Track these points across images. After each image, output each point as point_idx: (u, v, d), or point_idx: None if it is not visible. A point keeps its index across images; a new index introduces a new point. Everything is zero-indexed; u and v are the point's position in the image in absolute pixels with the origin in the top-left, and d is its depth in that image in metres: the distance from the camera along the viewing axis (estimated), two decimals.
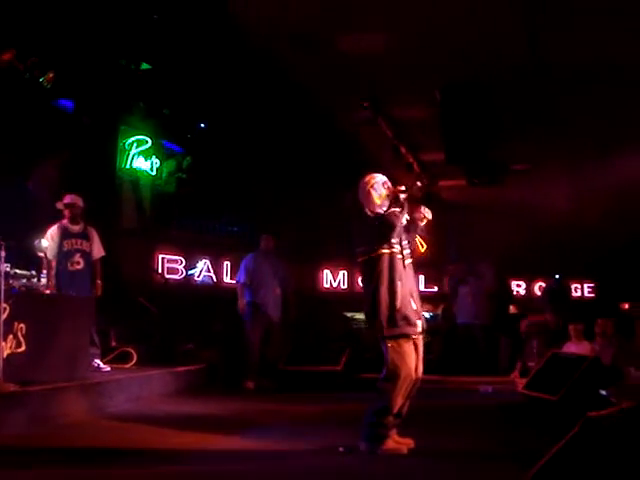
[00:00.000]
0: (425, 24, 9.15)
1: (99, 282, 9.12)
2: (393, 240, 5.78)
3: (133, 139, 12.10)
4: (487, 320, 12.48)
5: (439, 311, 14.88)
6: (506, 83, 10.60)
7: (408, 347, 5.76)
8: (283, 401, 9.26)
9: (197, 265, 13.53)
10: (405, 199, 5.85)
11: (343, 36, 9.72)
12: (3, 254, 6.82)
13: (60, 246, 8.87)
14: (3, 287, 6.76)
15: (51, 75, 9.69)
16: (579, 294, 18.02)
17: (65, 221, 9.02)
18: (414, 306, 5.83)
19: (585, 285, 18.17)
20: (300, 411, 8.42)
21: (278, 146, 13.32)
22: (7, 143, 9.44)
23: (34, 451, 5.80)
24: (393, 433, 5.80)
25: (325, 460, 5.61)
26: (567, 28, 9.27)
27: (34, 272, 8.02)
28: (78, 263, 8.96)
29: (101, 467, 5.31)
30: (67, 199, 9.08)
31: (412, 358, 5.77)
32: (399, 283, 5.71)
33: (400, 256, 5.81)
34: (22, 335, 7.12)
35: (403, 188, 5.90)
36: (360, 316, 15.10)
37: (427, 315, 16.74)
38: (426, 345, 13.37)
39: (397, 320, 5.69)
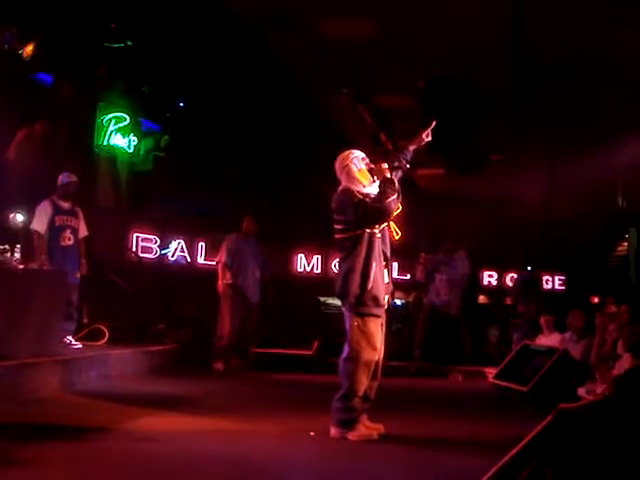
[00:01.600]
0: (409, 13, 9.16)
1: (84, 260, 9.15)
2: None
3: (111, 116, 11.98)
4: (457, 311, 12.28)
5: (410, 299, 14.96)
6: (487, 74, 10.64)
7: (374, 327, 5.75)
8: (254, 383, 9.29)
9: (171, 245, 13.46)
10: (400, 179, 5.85)
11: (327, 20, 9.70)
12: None
13: (52, 222, 8.84)
14: None
15: (30, 48, 9.58)
16: (550, 286, 18.18)
17: (55, 197, 8.97)
18: (386, 279, 5.84)
19: (556, 277, 18.33)
20: (271, 393, 8.45)
21: (256, 128, 13.27)
22: None
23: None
24: (364, 418, 5.84)
25: (294, 443, 5.63)
26: (548, 21, 9.32)
27: (7, 246, 7.94)
28: (69, 239, 8.97)
29: (67, 444, 5.27)
30: (72, 177, 9.05)
31: (378, 339, 5.77)
32: (374, 264, 5.69)
33: (379, 235, 5.80)
34: None
35: (386, 166, 5.84)
36: (333, 301, 15.16)
37: (398, 302, 16.89)
38: (396, 332, 13.46)
39: (366, 300, 5.69)
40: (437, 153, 12.09)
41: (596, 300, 14.54)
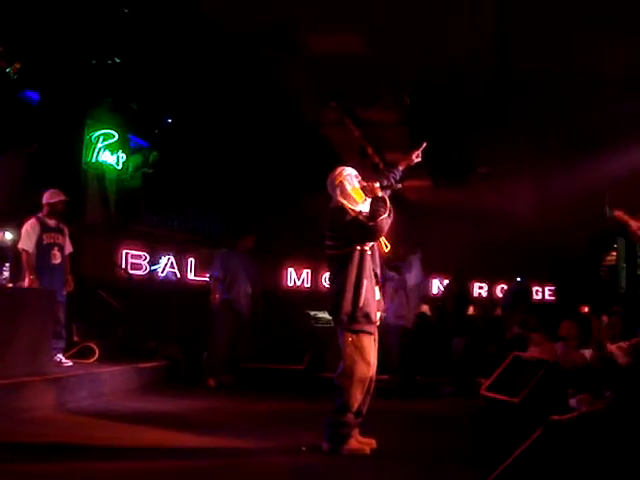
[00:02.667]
0: (394, 27, 9.20)
1: (70, 277, 9.15)
2: None
3: (99, 133, 11.98)
4: (408, 322, 11.03)
5: None
6: (473, 86, 10.70)
7: (368, 343, 5.78)
8: (246, 399, 9.27)
9: (161, 261, 13.46)
10: (389, 198, 5.88)
11: (313, 36, 9.74)
12: None
13: (40, 240, 8.82)
14: None
15: (18, 66, 9.59)
16: (540, 297, 18.27)
17: (41, 215, 8.97)
18: (377, 296, 5.88)
19: (546, 288, 18.42)
20: (263, 409, 8.43)
21: (244, 143, 13.29)
22: None
23: None
24: (355, 433, 5.84)
25: (287, 459, 5.62)
26: (534, 33, 9.38)
27: None
28: (56, 257, 8.96)
29: (61, 463, 5.27)
30: (61, 196, 9.07)
31: (372, 354, 5.80)
32: (365, 281, 5.73)
33: (370, 252, 5.83)
34: None
35: (378, 185, 5.90)
36: (323, 315, 15.16)
37: None
38: (386, 344, 13.43)
39: (358, 317, 5.72)
40: (423, 166, 12.16)
41: (586, 310, 14.60)
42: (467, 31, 9.30)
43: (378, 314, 5.90)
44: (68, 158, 11.42)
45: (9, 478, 4.74)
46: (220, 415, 7.87)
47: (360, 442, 5.83)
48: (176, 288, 13.33)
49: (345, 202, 5.87)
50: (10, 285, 8.08)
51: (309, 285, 16.68)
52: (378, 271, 5.95)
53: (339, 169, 6.04)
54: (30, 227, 8.83)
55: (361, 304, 5.70)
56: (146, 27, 10.09)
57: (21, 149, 10.24)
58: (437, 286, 17.35)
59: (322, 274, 16.91)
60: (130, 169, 12.74)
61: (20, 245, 8.74)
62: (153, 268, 13.30)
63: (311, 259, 16.42)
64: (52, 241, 8.95)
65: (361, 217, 5.79)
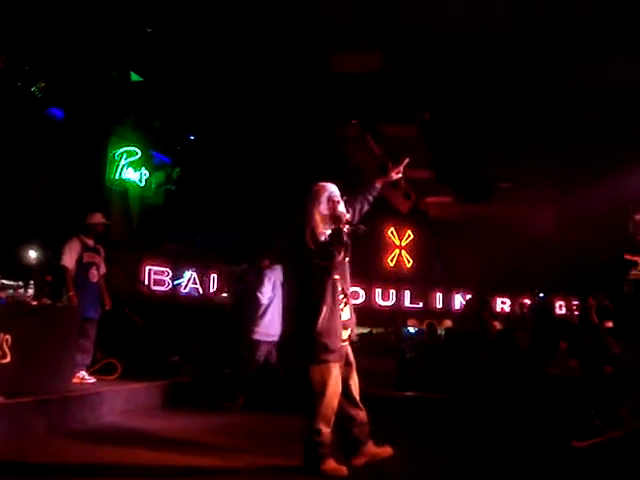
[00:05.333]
0: (416, 45, 9.24)
1: (107, 296, 9.26)
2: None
3: (123, 150, 12.10)
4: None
5: (424, 326, 14.93)
6: (495, 103, 10.70)
7: (332, 369, 5.70)
8: (270, 418, 9.18)
9: (184, 276, 13.52)
10: (348, 235, 5.77)
11: (335, 55, 9.80)
12: None
13: (80, 258, 8.95)
14: None
15: (43, 84, 9.74)
16: (564, 312, 18.12)
17: (82, 235, 9.08)
18: (347, 315, 5.83)
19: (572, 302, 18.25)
20: (287, 428, 8.38)
21: (266, 159, 13.35)
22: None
23: (10, 465, 5.81)
24: (370, 443, 5.84)
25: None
26: (558, 51, 9.38)
27: (21, 282, 8.02)
28: (94, 276, 9.09)
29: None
30: (102, 219, 9.23)
31: (337, 379, 5.72)
32: (324, 308, 5.64)
33: (337, 276, 5.76)
34: (7, 346, 7.11)
35: (348, 217, 5.84)
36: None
37: (412, 330, 16.90)
38: (411, 360, 13.38)
39: (317, 346, 5.64)
40: (443, 182, 12.19)
41: (610, 325, 14.45)
42: (488, 47, 9.32)
43: (345, 332, 5.82)
44: (92, 175, 11.55)
45: None
46: (240, 434, 7.83)
47: (373, 453, 5.84)
48: (199, 304, 13.36)
49: (311, 222, 5.83)
50: (34, 302, 8.14)
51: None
52: (347, 289, 5.87)
53: (321, 185, 5.99)
54: (72, 245, 8.96)
55: (318, 335, 5.62)
56: (168, 46, 10.20)
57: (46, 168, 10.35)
58: (459, 301, 17.30)
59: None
60: (153, 186, 12.85)
61: (62, 262, 8.83)
62: (176, 283, 13.36)
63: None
64: (91, 260, 9.08)
65: (315, 255, 5.71)
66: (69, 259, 8.84)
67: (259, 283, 9.77)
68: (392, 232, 17.50)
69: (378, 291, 17.16)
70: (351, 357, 5.94)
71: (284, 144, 12.83)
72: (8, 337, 7.12)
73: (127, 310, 10.78)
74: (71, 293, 8.67)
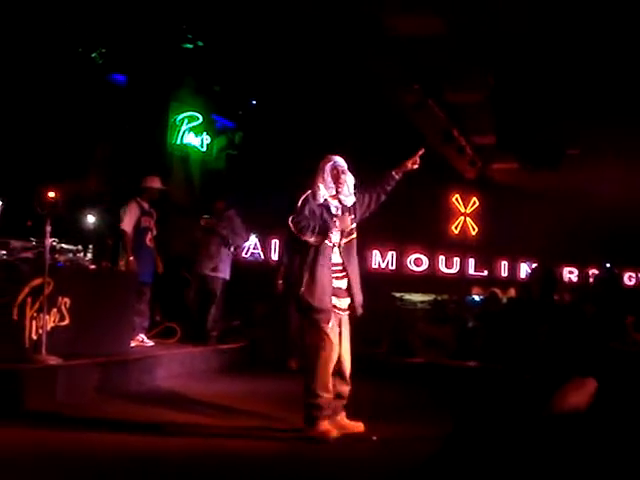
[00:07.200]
0: (479, 8, 8.99)
1: (159, 258, 9.39)
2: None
3: (184, 115, 12.14)
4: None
5: (488, 295, 14.72)
6: (559, 67, 10.38)
7: (324, 333, 5.75)
8: None
9: (250, 238, 13.51)
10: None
11: (396, 18, 9.61)
12: (49, 229, 6.92)
13: (139, 222, 9.04)
14: (48, 261, 6.89)
15: (103, 50, 9.82)
16: (633, 283, 17.66)
17: (139, 198, 9.17)
18: (340, 285, 5.88)
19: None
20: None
21: (327, 125, 13.24)
22: (63, 117, 9.63)
23: (68, 419, 6.10)
24: (342, 416, 5.91)
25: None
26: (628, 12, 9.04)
27: (80, 247, 8.13)
28: (151, 240, 9.20)
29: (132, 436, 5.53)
30: (160, 184, 9.41)
31: (330, 345, 5.76)
32: (319, 270, 5.76)
33: (330, 243, 5.87)
34: (66, 309, 7.25)
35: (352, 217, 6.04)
36: (409, 297, 15.06)
37: (477, 298, 16.69)
38: (473, 330, 13.20)
39: (303, 305, 5.79)
40: (508, 149, 11.91)
41: None
42: (554, 12, 9.02)
43: (343, 300, 5.92)
44: (153, 140, 11.62)
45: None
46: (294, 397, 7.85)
47: (343, 425, 5.87)
48: (260, 269, 13.41)
49: (313, 188, 5.96)
50: (93, 267, 8.25)
51: (394, 267, 16.62)
52: (350, 264, 5.98)
53: (330, 156, 6.10)
54: (131, 209, 9.05)
55: (315, 294, 5.73)
56: (228, 10, 10.14)
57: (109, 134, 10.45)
58: (525, 270, 17.03)
59: (407, 256, 16.83)
60: (215, 151, 12.88)
61: (122, 226, 8.93)
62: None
63: (396, 241, 16.33)
64: (147, 224, 9.18)
65: (293, 223, 5.81)
66: (128, 223, 8.95)
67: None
68: (457, 199, 17.26)
69: (442, 258, 17.01)
70: (346, 326, 5.98)
71: (346, 109, 12.69)
72: (67, 300, 7.28)
73: (187, 274, 10.86)
74: (131, 257, 8.77)
